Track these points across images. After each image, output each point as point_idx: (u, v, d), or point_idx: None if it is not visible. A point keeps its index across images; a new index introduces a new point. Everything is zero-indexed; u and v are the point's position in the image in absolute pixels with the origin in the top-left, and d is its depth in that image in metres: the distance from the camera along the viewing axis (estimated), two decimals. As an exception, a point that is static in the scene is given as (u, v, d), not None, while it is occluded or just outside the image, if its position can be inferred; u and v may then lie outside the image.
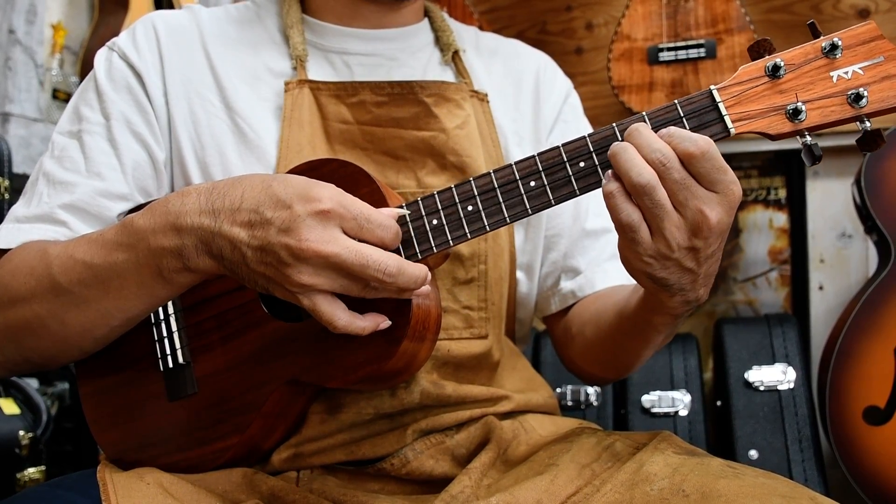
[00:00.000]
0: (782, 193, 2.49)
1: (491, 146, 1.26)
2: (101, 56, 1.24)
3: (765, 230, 2.50)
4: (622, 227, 0.91)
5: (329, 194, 0.88)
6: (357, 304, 0.93)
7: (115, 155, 1.17)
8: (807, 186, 2.43)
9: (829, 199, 2.41)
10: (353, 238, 0.89)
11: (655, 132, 0.89)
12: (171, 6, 3.06)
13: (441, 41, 1.33)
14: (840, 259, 2.40)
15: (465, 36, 1.39)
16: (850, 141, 2.44)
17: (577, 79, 2.59)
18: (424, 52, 1.32)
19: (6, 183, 2.25)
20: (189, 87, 1.21)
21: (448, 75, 1.31)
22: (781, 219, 2.49)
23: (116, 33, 1.33)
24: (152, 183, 1.19)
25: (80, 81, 1.48)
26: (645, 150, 0.88)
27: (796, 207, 2.46)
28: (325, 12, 1.28)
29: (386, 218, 0.91)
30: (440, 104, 1.21)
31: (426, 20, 1.36)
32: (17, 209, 1.15)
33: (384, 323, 0.94)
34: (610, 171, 0.91)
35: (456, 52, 1.32)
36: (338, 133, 1.20)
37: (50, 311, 1.02)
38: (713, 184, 0.88)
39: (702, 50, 2.20)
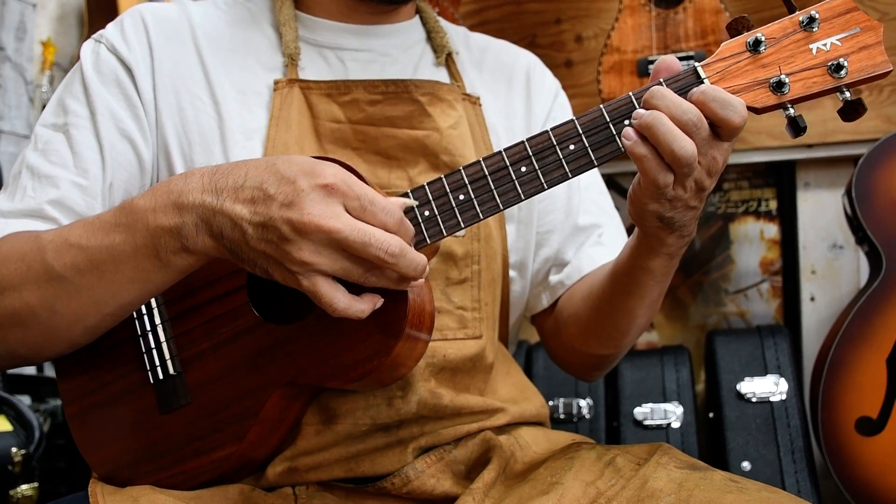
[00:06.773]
0: (773, 205, 2.49)
1: (483, 148, 1.26)
2: (87, 48, 1.20)
3: (756, 241, 2.50)
4: (656, 187, 0.93)
5: (333, 171, 0.88)
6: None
7: (100, 151, 1.14)
8: (798, 197, 2.44)
9: (820, 210, 2.42)
10: (356, 219, 0.87)
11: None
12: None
13: (434, 41, 1.33)
14: (831, 270, 2.41)
15: (456, 36, 1.39)
16: (841, 152, 2.43)
17: (567, 91, 2.56)
18: (416, 49, 1.32)
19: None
20: (178, 81, 1.19)
21: (441, 76, 1.30)
22: (772, 230, 2.49)
23: (106, 49, 1.32)
24: (136, 181, 1.17)
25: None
26: (674, 110, 0.90)
27: (787, 219, 2.46)
28: (318, 9, 1.28)
29: (390, 203, 0.90)
30: (434, 103, 1.21)
31: (417, 17, 1.36)
32: (1, 203, 1.12)
33: (379, 301, 0.93)
34: (631, 131, 0.92)
35: (449, 55, 1.32)
36: (329, 132, 1.19)
37: (41, 298, 0.99)
38: (730, 136, 0.93)
39: (691, 62, 2.20)
